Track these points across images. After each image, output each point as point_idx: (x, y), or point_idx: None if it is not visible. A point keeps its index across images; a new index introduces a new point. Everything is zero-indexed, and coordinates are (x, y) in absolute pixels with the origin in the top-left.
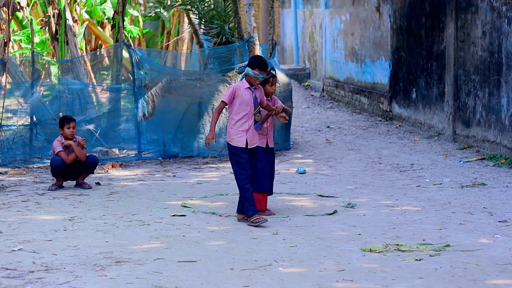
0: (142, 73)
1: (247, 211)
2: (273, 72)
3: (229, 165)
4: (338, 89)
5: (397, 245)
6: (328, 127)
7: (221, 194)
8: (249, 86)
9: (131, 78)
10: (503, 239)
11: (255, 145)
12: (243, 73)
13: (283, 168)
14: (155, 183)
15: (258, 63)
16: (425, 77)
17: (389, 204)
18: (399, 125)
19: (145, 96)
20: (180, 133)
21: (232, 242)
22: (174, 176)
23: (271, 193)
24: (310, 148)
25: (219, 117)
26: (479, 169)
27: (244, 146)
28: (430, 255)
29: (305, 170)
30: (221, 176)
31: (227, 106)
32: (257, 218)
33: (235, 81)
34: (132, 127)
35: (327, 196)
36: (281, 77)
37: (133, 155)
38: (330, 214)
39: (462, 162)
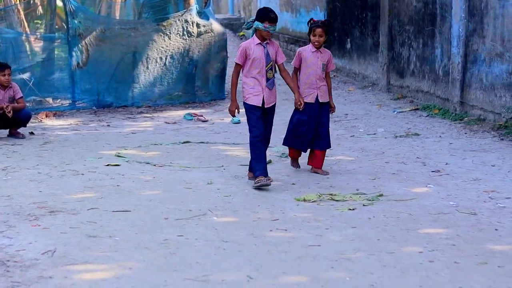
0: (76, 22)
1: (254, 170)
2: (319, 23)
3: (163, 114)
4: (273, 39)
5: (331, 194)
6: None
7: (156, 144)
8: (260, 41)
9: (65, 27)
10: (436, 189)
11: (272, 104)
12: (251, 29)
13: (217, 118)
14: (89, 133)
15: (267, 15)
16: (360, 27)
17: None
18: (334, 75)
19: (79, 45)
20: (115, 82)
21: (166, 191)
22: (108, 125)
23: (324, 147)
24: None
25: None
26: (412, 120)
27: (259, 105)
28: (364, 205)
29: (239, 120)
30: (155, 126)
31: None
32: (259, 179)
33: (169, 30)
34: (66, 76)
35: None
36: (216, 27)
37: (67, 104)
38: None
39: (396, 113)
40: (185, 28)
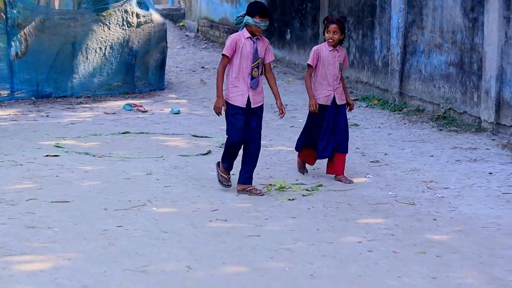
0: (14, 12)
1: (222, 161)
2: (334, 19)
3: (103, 105)
4: (213, 29)
5: (271, 185)
6: (203, 67)
7: (95, 135)
8: (250, 35)
9: (4, 16)
10: (375, 179)
11: (258, 104)
12: (242, 24)
13: (157, 108)
14: (28, 123)
15: (257, 9)
16: (300, 18)
17: (263, 144)
18: (274, 66)
19: (18, 35)
20: (54, 73)
21: (105, 182)
22: (48, 116)
23: (341, 151)
24: (185, 88)
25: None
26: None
27: (244, 106)
28: (303, 195)
29: (179, 111)
30: (94, 116)
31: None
32: (224, 177)
33: (109, 21)
34: (5, 66)
35: (201, 137)
36: (156, 17)
37: (6, 95)
38: (204, 154)
39: None
40: (125, 19)
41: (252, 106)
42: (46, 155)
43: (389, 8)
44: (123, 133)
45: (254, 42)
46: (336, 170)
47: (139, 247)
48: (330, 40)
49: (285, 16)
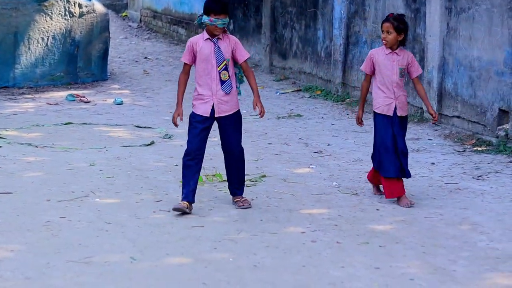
0: None
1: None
2: (389, 17)
3: (45, 95)
4: (156, 19)
5: (214, 175)
6: (146, 58)
7: (37, 125)
8: (209, 37)
9: None
10: (318, 169)
11: (227, 113)
12: (203, 25)
13: (100, 99)
14: None
15: (211, 5)
16: (243, 8)
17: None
18: None
19: None
20: None
21: (48, 173)
22: None
23: (404, 175)
24: (128, 79)
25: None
26: (295, 101)
27: (207, 115)
28: (247, 186)
29: (122, 101)
30: (37, 107)
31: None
32: (180, 204)
33: (51, 11)
34: None
35: (144, 127)
36: (98, 8)
37: None
38: (147, 145)
39: (278, 94)
40: (67, 8)
41: (217, 115)
42: None
43: None
44: (66, 123)
45: (214, 43)
46: (395, 192)
47: (82, 238)
48: (383, 41)
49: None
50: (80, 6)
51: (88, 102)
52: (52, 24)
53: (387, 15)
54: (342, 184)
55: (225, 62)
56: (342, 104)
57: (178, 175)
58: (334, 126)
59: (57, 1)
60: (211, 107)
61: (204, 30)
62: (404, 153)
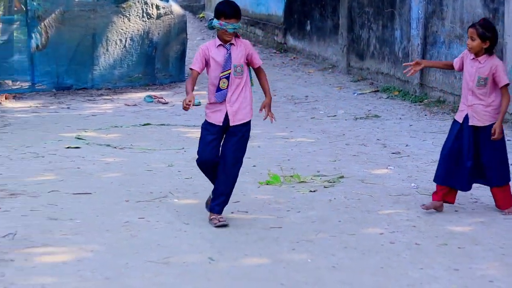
0: (35, 4)
1: (206, 203)
2: (476, 23)
3: (123, 96)
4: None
5: (292, 176)
6: None
7: (116, 126)
8: (221, 43)
9: (24, 9)
10: (396, 170)
11: (241, 122)
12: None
13: (177, 100)
14: (49, 115)
15: (222, 9)
16: (320, 9)
17: (284, 136)
18: (294, 57)
19: (38, 27)
20: (74, 64)
21: (127, 174)
22: (68, 108)
23: (494, 183)
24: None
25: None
26: (372, 101)
27: (220, 124)
28: (325, 187)
29: (200, 102)
30: (115, 108)
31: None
32: (214, 218)
33: (129, 12)
34: (26, 58)
35: None
36: (176, 9)
37: (27, 86)
38: None
39: (356, 94)
40: (145, 10)
41: (232, 124)
42: (68, 147)
43: None
44: (144, 124)
45: (227, 50)
46: (500, 203)
47: (161, 238)
48: (468, 47)
49: (305, 7)
50: (157, 7)
51: (166, 103)
52: (130, 25)
53: (482, 21)
54: (420, 185)
55: (229, 71)
56: (420, 105)
57: (255, 176)
58: (412, 127)
59: (134, 3)
60: (224, 116)
61: (216, 36)
62: (493, 162)
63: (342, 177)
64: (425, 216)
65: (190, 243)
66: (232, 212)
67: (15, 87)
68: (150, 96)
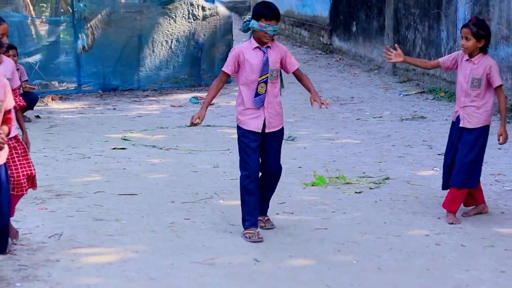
0: (81, 5)
1: (243, 220)
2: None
3: (169, 97)
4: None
5: (337, 178)
6: None
7: (162, 127)
8: (258, 45)
9: (70, 10)
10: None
11: (276, 129)
12: (250, 31)
13: (223, 101)
14: (95, 116)
15: (263, 10)
16: (365, 10)
17: (329, 137)
18: (340, 58)
19: (85, 28)
20: (120, 66)
21: (172, 175)
22: (114, 109)
23: (455, 183)
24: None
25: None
26: (418, 102)
27: (259, 131)
28: (370, 188)
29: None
30: (161, 109)
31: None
32: (251, 233)
33: (175, 14)
34: (72, 60)
35: None
36: (222, 10)
37: (73, 88)
38: None
39: (402, 96)
40: (191, 11)
41: (267, 131)
42: (114, 148)
43: (455, 0)
44: (190, 126)
45: (264, 53)
46: (444, 201)
47: (206, 239)
48: (463, 48)
49: (350, 8)
50: (203, 9)
51: (212, 104)
52: (175, 27)
53: (474, 19)
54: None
55: (267, 75)
56: None
57: (301, 177)
58: None
59: (180, 4)
60: (262, 122)
61: (251, 38)
62: (465, 165)
63: (387, 178)
64: (471, 217)
65: (235, 244)
66: (277, 213)
67: (62, 88)
68: (195, 97)
